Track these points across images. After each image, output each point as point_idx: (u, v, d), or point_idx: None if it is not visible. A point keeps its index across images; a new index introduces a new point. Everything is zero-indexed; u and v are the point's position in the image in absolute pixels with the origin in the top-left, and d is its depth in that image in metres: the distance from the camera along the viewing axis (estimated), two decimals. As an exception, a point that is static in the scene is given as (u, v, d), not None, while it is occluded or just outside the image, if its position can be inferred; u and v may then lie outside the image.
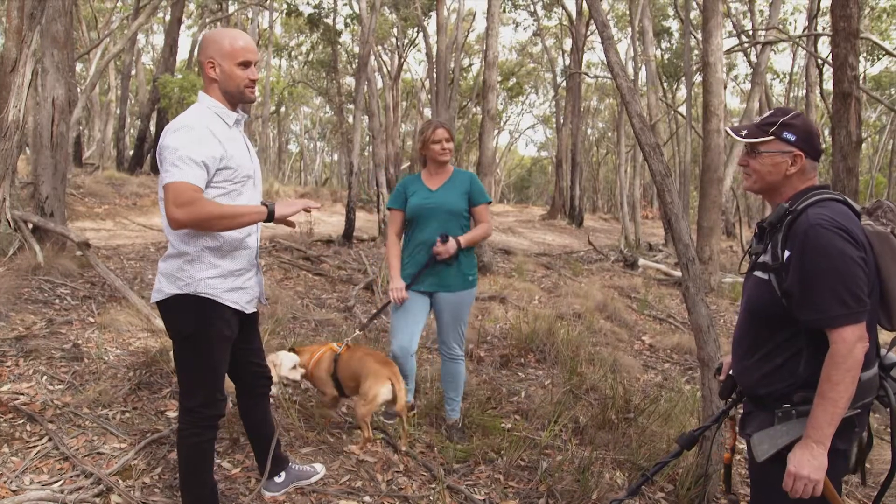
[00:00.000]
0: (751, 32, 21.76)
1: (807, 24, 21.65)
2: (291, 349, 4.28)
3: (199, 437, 2.90)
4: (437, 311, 4.31)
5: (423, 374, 5.34)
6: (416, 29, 30.03)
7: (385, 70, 35.08)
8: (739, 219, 21.35)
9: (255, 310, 3.14)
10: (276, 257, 9.69)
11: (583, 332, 7.20)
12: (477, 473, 3.98)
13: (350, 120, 29.46)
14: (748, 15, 25.90)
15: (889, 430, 2.21)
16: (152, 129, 21.05)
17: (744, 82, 35.21)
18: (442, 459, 4.08)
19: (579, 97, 27.46)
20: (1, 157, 6.77)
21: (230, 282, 2.85)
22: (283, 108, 42.62)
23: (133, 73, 24.35)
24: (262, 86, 28.26)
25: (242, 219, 2.71)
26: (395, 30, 32.26)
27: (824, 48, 21.72)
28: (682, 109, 22.27)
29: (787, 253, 2.12)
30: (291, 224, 2.91)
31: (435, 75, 23.58)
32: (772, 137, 2.22)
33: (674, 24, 28.68)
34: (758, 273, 2.24)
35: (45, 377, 4.36)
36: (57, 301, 6.01)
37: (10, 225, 7.01)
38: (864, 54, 26.22)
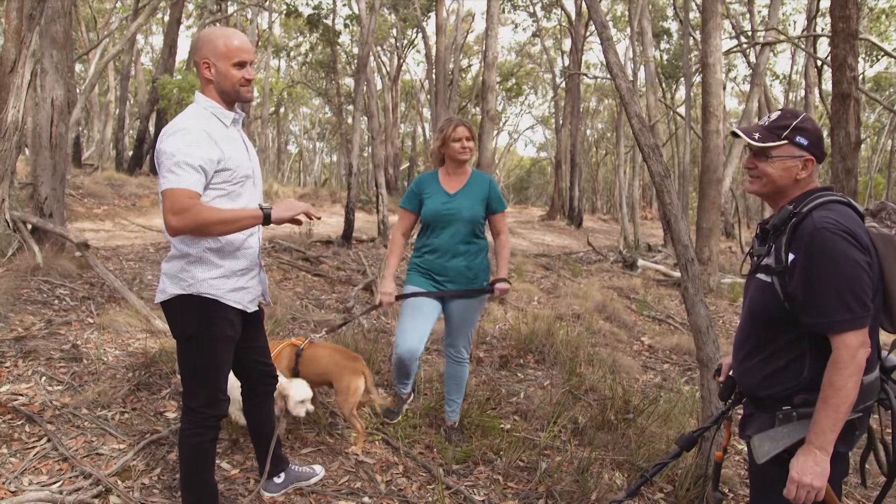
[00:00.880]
0: (750, 33, 21.76)
1: (806, 24, 21.66)
2: None
3: (200, 437, 2.90)
4: (448, 313, 4.23)
5: (421, 374, 5.34)
6: (415, 30, 30.07)
7: (384, 71, 35.11)
8: (738, 220, 21.38)
9: (258, 308, 3.15)
10: (276, 258, 9.69)
11: (582, 333, 7.20)
12: (476, 474, 3.98)
13: (349, 121, 29.49)
14: (747, 16, 25.91)
15: (885, 430, 2.21)
16: (151, 129, 21.04)
17: (743, 83, 35.25)
18: (441, 460, 4.08)
19: (578, 98, 27.47)
20: (0, 157, 6.77)
21: (233, 282, 2.85)
22: (282, 109, 42.63)
23: (132, 73, 24.36)
24: (261, 86, 28.26)
25: (238, 224, 2.68)
26: (394, 30, 32.28)
27: (823, 49, 21.77)
28: (682, 110, 22.26)
29: (791, 256, 2.10)
30: (297, 222, 2.86)
31: (434, 76, 23.61)
32: (785, 142, 2.18)
33: (673, 25, 28.74)
34: (760, 275, 2.22)
35: (44, 378, 4.36)
36: (56, 302, 6.01)
37: (9, 226, 7.00)
38: (864, 55, 26.26)
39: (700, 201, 11.98)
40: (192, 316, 2.79)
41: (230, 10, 26.23)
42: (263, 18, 30.10)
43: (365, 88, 13.81)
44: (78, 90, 14.23)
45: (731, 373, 2.45)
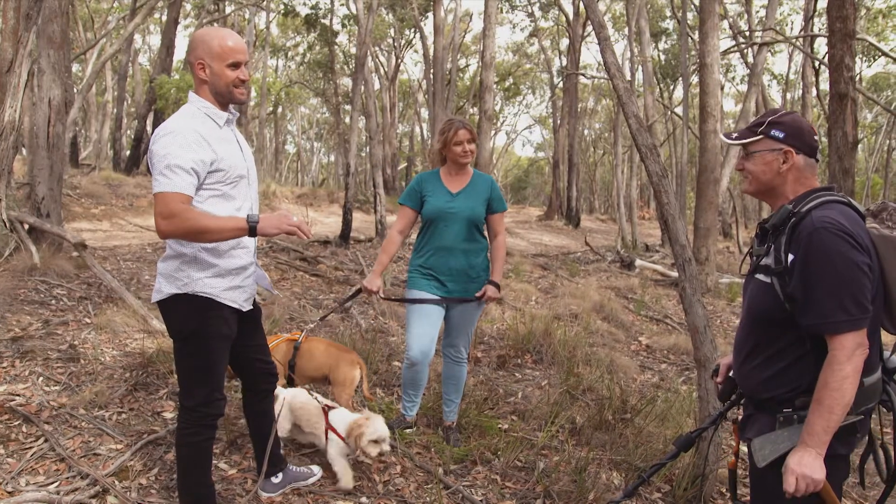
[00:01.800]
0: (747, 34, 21.79)
1: (803, 25, 21.70)
2: None
3: (197, 437, 2.91)
4: (449, 315, 4.24)
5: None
6: (412, 30, 30.05)
7: (382, 71, 35.12)
8: (736, 219, 21.41)
9: (257, 307, 3.17)
10: (273, 258, 9.68)
11: (579, 333, 7.21)
12: (474, 474, 3.97)
13: (347, 121, 29.47)
14: (745, 16, 25.94)
15: (883, 431, 2.21)
16: (149, 129, 20.99)
17: (741, 84, 35.31)
18: (439, 460, 4.07)
19: (576, 98, 27.49)
20: (-3, 157, 6.76)
21: (228, 280, 2.86)
22: (279, 109, 42.61)
23: (130, 73, 24.36)
24: (258, 87, 28.26)
25: (223, 234, 2.68)
26: (392, 30, 32.28)
27: (821, 49, 21.78)
28: (679, 110, 22.28)
29: (790, 256, 2.08)
30: (291, 232, 2.81)
31: (432, 76, 23.61)
32: (760, 136, 2.20)
33: (671, 25, 28.75)
34: (760, 276, 2.20)
35: (41, 378, 4.35)
36: (53, 302, 6.00)
37: (6, 226, 7.00)
38: (861, 56, 26.30)
39: (697, 201, 11.99)
40: (187, 315, 2.80)
41: (227, 9, 26.23)
42: (261, 18, 30.12)
43: (363, 88, 13.81)
44: (75, 90, 14.22)
45: (730, 374, 2.44)
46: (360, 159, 33.02)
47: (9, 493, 3.09)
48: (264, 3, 26.09)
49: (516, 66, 37.95)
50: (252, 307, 3.09)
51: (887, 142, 34.82)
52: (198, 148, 2.66)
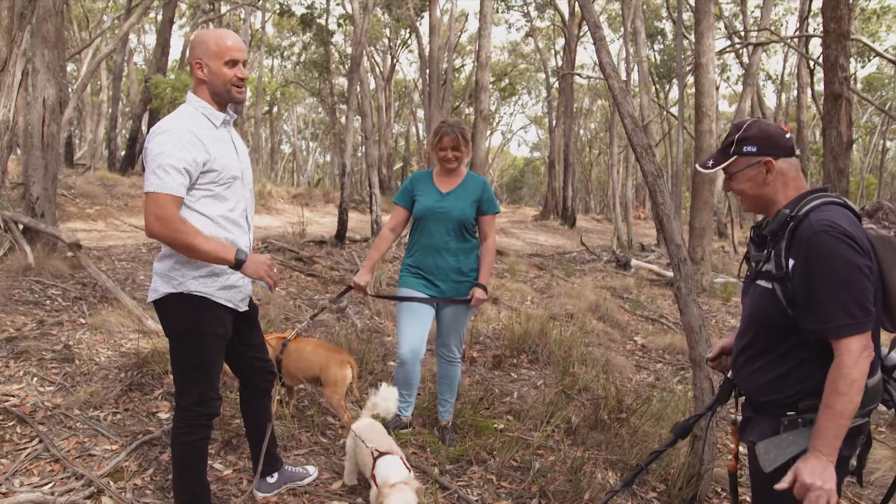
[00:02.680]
0: (743, 34, 21.84)
1: (798, 25, 21.75)
2: None
3: (192, 436, 2.91)
4: (440, 314, 4.26)
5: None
6: (408, 30, 30.05)
7: (377, 71, 35.10)
8: (731, 219, 21.45)
9: (254, 305, 3.18)
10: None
11: (575, 333, 7.21)
12: (469, 474, 3.98)
13: (342, 120, 29.41)
14: (740, 16, 26.00)
15: (882, 430, 2.21)
16: (144, 129, 20.93)
17: (736, 84, 35.37)
18: (434, 460, 4.07)
19: (571, 98, 27.52)
20: (-9, 157, 6.74)
21: (222, 280, 2.87)
22: (275, 109, 42.56)
23: (125, 73, 24.29)
24: (254, 86, 28.21)
25: (209, 258, 2.71)
26: (387, 30, 32.27)
27: (816, 49, 21.83)
28: (675, 110, 22.32)
29: (791, 261, 2.06)
30: (265, 280, 2.85)
31: (427, 76, 23.59)
32: (734, 157, 2.20)
33: (667, 26, 28.80)
34: (761, 282, 2.17)
35: (35, 379, 4.34)
36: (48, 302, 5.98)
37: (0, 226, 6.97)
38: (855, 56, 26.37)
39: (693, 201, 12.02)
40: (182, 314, 2.81)
41: (223, 9, 26.17)
42: (256, 18, 30.08)
43: (358, 88, 13.80)
44: (70, 89, 14.18)
45: (729, 375, 2.43)
46: (356, 159, 32.99)
47: (3, 494, 3.08)
48: (260, 2, 26.06)
49: (512, 66, 37.98)
50: (248, 307, 3.10)
51: (881, 142, 34.92)
52: (191, 148, 2.67)
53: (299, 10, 21.12)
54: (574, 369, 6.01)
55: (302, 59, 32.49)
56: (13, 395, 4.05)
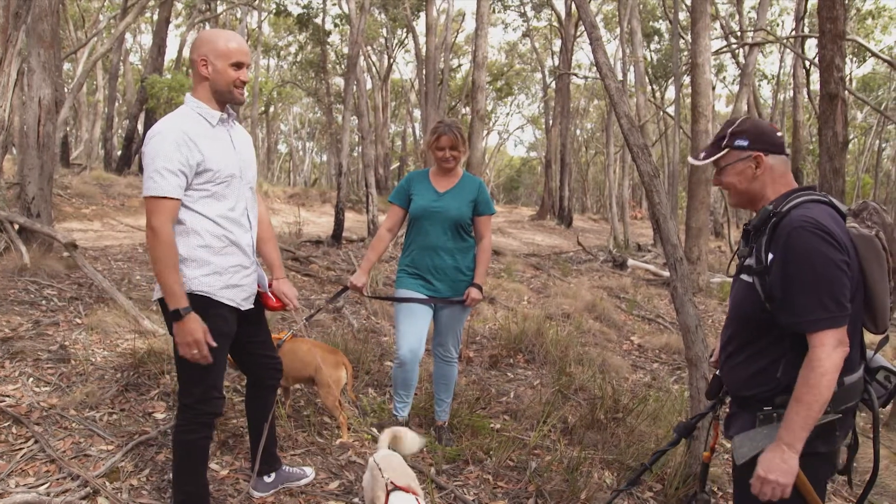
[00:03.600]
0: (739, 34, 21.87)
1: (794, 25, 21.78)
2: None
3: (194, 435, 2.92)
4: (437, 314, 4.25)
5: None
6: (405, 29, 30.06)
7: (374, 70, 35.09)
8: (728, 219, 21.51)
9: (259, 303, 3.19)
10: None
11: (572, 333, 7.22)
12: (466, 474, 3.98)
13: (339, 120, 29.40)
14: (736, 17, 26.05)
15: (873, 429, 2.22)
16: (140, 129, 20.91)
17: (732, 84, 35.42)
18: (431, 460, 4.07)
19: (568, 98, 27.54)
20: (-14, 157, 6.72)
21: (225, 279, 2.88)
22: (272, 109, 42.52)
23: (121, 72, 24.23)
24: (250, 86, 28.17)
25: (163, 285, 2.69)
26: (384, 30, 32.27)
27: (811, 50, 21.89)
28: (671, 110, 22.35)
29: (770, 255, 2.10)
30: (190, 356, 2.76)
31: (424, 76, 23.60)
32: (726, 150, 2.24)
33: (663, 26, 28.82)
34: (743, 276, 2.22)
35: (31, 379, 4.33)
36: (43, 302, 5.97)
37: (-5, 226, 6.95)
38: (851, 56, 26.43)
39: (689, 201, 12.04)
40: None
41: (219, 9, 26.14)
42: (253, 17, 30.05)
43: (355, 88, 13.78)
44: (66, 89, 14.14)
45: (718, 372, 2.46)
46: (353, 159, 32.94)
47: (-2, 494, 3.07)
48: (256, 2, 26.01)
49: (508, 66, 37.99)
50: (253, 306, 3.10)
51: (877, 142, 35.02)
52: (183, 149, 2.70)
53: (296, 10, 21.06)
54: (570, 369, 6.01)
55: (298, 59, 32.44)
56: (8, 396, 4.04)
